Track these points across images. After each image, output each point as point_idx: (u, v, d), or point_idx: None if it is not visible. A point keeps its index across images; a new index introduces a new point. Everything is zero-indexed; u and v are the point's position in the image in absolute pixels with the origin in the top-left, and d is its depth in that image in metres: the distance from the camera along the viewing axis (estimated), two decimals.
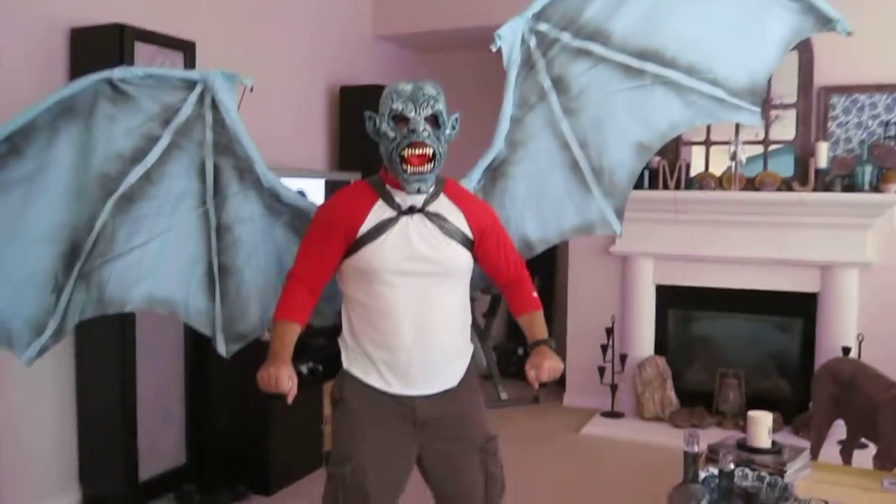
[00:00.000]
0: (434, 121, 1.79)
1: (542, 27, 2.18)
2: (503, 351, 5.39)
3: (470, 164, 2.17)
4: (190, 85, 1.99)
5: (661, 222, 4.36)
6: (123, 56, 2.85)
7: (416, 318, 1.84)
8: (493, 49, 2.18)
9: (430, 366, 1.88)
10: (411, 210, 1.84)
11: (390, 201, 1.84)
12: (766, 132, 4.32)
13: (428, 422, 1.87)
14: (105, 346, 2.97)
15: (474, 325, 2.53)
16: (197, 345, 3.25)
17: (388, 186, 1.85)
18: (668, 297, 4.56)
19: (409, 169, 1.76)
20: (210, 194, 2.04)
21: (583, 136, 2.24)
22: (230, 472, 3.37)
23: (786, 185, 4.15)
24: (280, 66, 4.09)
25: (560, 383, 4.79)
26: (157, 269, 2.04)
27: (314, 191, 3.89)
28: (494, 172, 2.22)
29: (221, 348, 2.11)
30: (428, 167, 1.77)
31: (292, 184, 3.59)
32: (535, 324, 1.98)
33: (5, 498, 2.80)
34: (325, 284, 1.90)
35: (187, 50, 3.11)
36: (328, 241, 1.84)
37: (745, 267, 4.30)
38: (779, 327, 4.47)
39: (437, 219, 1.85)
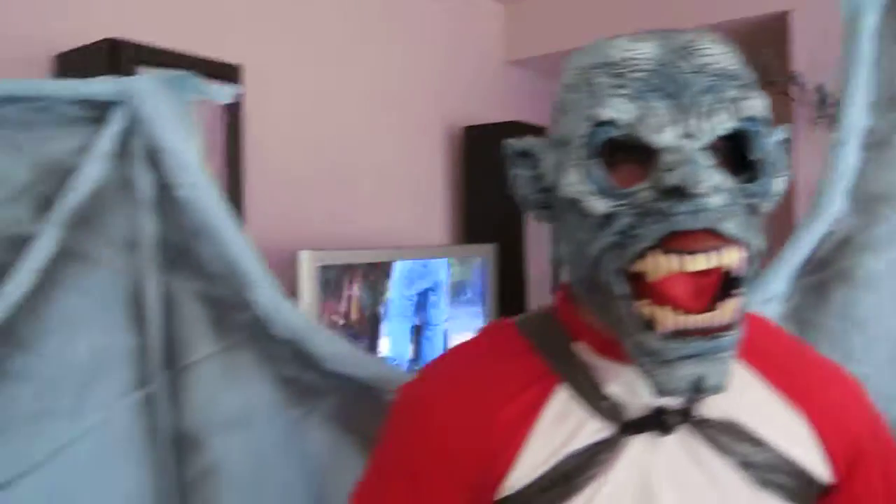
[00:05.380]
0: (736, 154, 0.65)
1: None
2: None
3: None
4: (98, 113, 0.88)
5: None
6: None
7: None
8: None
9: None
10: (658, 420, 0.64)
11: (591, 393, 0.68)
12: None
13: None
14: None
15: None
16: None
17: (580, 348, 0.67)
18: None
19: (668, 320, 0.60)
20: (157, 361, 0.90)
21: None
22: None
23: None
24: (382, 101, 2.97)
25: None
26: None
27: (432, 276, 2.72)
28: (821, 274, 0.98)
29: None
30: (726, 312, 0.63)
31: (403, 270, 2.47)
32: None
33: None
34: None
35: (228, 77, 2.05)
36: (422, 498, 0.65)
37: None
38: None
39: (731, 439, 0.69)
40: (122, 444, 0.96)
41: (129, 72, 1.83)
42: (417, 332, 2.62)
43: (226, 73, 2.06)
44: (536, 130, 3.37)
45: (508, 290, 3.05)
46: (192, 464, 0.96)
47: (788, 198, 1.09)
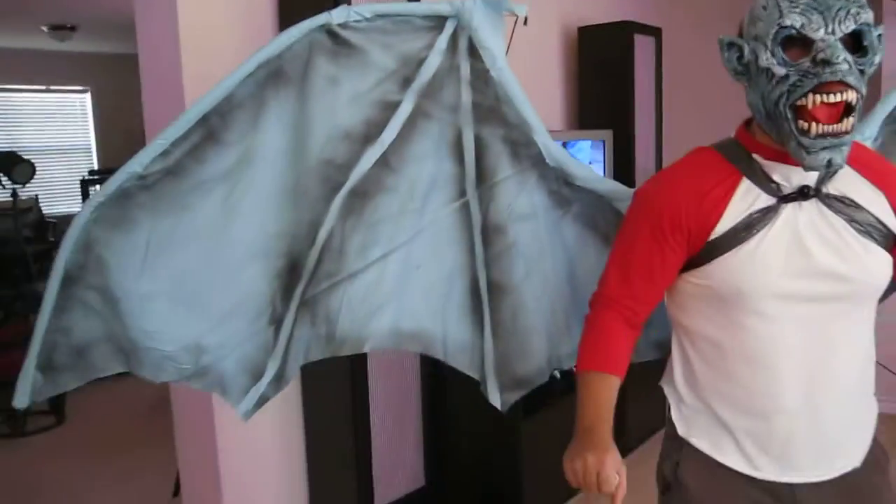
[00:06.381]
0: (855, 43, 1.06)
1: None
2: None
3: None
4: (438, 24, 1.41)
5: None
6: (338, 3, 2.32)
7: (805, 366, 1.19)
8: None
9: (822, 438, 1.28)
10: (802, 194, 1.12)
11: (763, 181, 1.15)
12: None
13: None
14: (333, 360, 2.51)
15: None
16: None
17: (756, 157, 1.15)
18: None
19: (816, 128, 1.05)
20: (472, 181, 1.46)
21: None
22: (475, 498, 2.85)
23: None
24: None
25: None
26: (403, 291, 1.49)
27: None
28: None
29: (495, 398, 1.54)
30: (847, 123, 1.06)
31: None
32: None
33: None
34: (650, 313, 1.24)
35: None
36: (659, 246, 1.21)
37: None
38: None
39: (843, 206, 1.15)
40: (447, 233, 1.52)
41: None
42: None
43: None
44: (644, 28, 3.75)
45: (619, 169, 3.53)
46: (497, 243, 1.50)
47: (878, 77, 1.50)
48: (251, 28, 2.40)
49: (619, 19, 3.71)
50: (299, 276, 1.47)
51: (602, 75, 3.68)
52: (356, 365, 2.51)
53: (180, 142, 1.36)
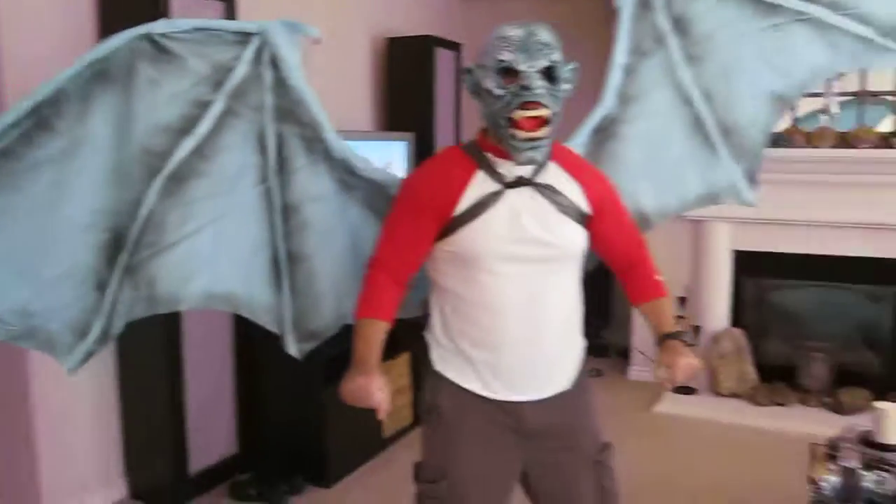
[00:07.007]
0: (549, 74, 1.47)
1: None
2: None
3: (569, 124, 1.83)
4: (244, 39, 1.70)
5: None
6: (158, 10, 2.52)
7: (524, 311, 1.58)
8: None
9: (540, 366, 1.66)
10: (519, 182, 1.52)
11: (492, 172, 1.54)
12: (862, 82, 3.98)
13: (536, 432, 1.66)
14: (149, 330, 2.66)
15: None
16: (246, 327, 2.97)
17: (488, 154, 1.54)
18: (747, 265, 4.20)
19: (520, 134, 1.45)
20: (272, 169, 1.75)
21: (707, 87, 1.95)
22: (286, 461, 3.11)
23: (885, 142, 3.75)
24: (322, 16, 3.67)
25: (624, 355, 4.49)
26: (215, 259, 1.75)
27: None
28: (603, 134, 1.92)
29: (292, 348, 1.83)
30: (543, 132, 1.47)
31: None
32: (663, 314, 1.72)
33: (45, 493, 2.65)
34: (414, 274, 1.61)
35: (228, 0, 2.77)
36: (418, 221, 1.56)
37: (833, 231, 3.93)
38: (869, 297, 4.11)
39: (549, 192, 1.56)
40: (252, 212, 1.77)
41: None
42: None
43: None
44: (445, 43, 4.16)
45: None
46: (293, 220, 1.78)
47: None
48: (72, 19, 2.56)
49: (423, 33, 4.10)
50: (122, 247, 1.69)
51: (407, 83, 4.05)
52: (171, 337, 2.70)
53: (12, 128, 1.56)
